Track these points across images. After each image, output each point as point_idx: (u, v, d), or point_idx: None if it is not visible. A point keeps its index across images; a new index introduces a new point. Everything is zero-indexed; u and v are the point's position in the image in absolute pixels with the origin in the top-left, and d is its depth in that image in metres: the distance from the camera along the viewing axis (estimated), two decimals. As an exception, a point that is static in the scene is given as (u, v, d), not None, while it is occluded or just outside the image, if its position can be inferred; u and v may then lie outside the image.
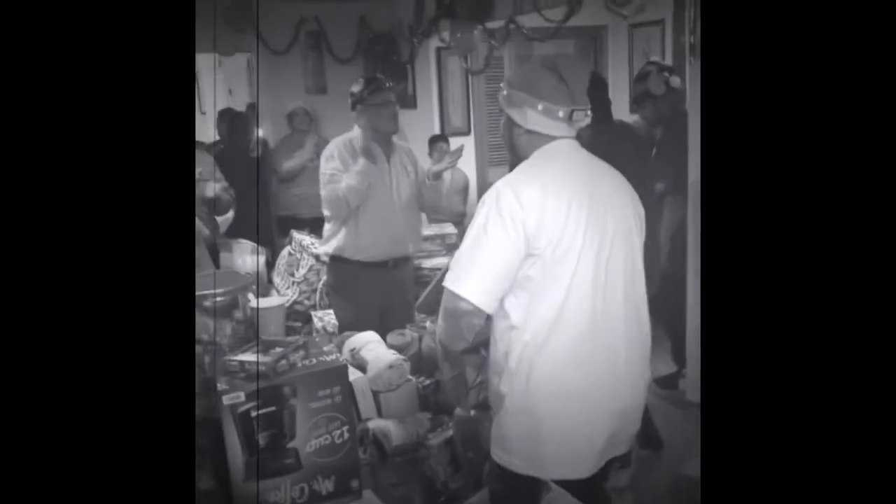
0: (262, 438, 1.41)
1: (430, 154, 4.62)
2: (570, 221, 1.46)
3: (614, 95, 3.50)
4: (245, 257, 3.62)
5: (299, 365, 1.48)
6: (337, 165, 2.68)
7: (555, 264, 1.46)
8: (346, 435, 1.48)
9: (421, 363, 2.13)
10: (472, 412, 1.74)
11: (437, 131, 5.03)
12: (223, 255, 3.60)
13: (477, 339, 1.69)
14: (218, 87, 6.38)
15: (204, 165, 2.59)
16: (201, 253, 2.59)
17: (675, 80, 3.00)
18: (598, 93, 2.81)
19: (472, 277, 1.47)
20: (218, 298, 1.64)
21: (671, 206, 3.19)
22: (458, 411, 1.76)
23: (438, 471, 1.71)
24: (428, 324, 2.42)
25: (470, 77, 4.87)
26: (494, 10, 4.05)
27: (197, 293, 1.62)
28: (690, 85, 2.91)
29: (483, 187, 4.82)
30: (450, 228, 4.04)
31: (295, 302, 3.63)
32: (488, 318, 1.54)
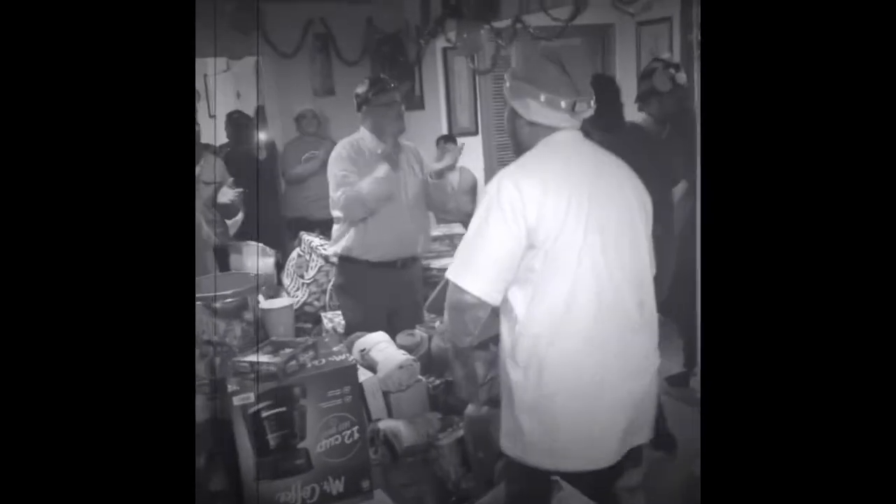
0: (272, 439, 1.41)
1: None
2: (571, 213, 1.46)
3: (623, 95, 3.48)
4: (255, 259, 3.62)
5: (309, 365, 1.48)
6: (347, 166, 2.68)
7: (557, 255, 1.46)
8: (357, 435, 1.48)
9: (431, 363, 2.13)
10: (484, 409, 1.74)
11: (444, 132, 5.03)
12: (233, 258, 3.61)
13: (486, 335, 1.69)
14: (227, 90, 6.41)
15: (212, 169, 2.60)
16: (207, 256, 2.59)
17: (682, 77, 2.98)
18: (610, 96, 2.78)
19: (473, 269, 1.48)
20: (227, 300, 1.64)
21: (681, 204, 3.17)
22: (469, 410, 1.75)
23: (449, 471, 1.71)
24: (437, 323, 2.42)
25: (477, 77, 4.86)
26: (501, 9, 4.04)
27: (206, 295, 1.62)
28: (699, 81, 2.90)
29: (491, 188, 4.80)
30: (458, 229, 4.03)
31: (305, 303, 3.63)
32: (494, 313, 1.54)
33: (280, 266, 3.89)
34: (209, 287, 1.65)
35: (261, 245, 3.64)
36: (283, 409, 1.42)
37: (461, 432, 1.76)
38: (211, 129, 4.15)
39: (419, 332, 2.28)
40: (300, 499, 1.44)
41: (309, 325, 3.47)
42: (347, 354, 1.56)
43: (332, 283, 3.54)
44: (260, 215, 4.20)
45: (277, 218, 4.68)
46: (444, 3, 4.29)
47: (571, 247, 1.46)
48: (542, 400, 1.50)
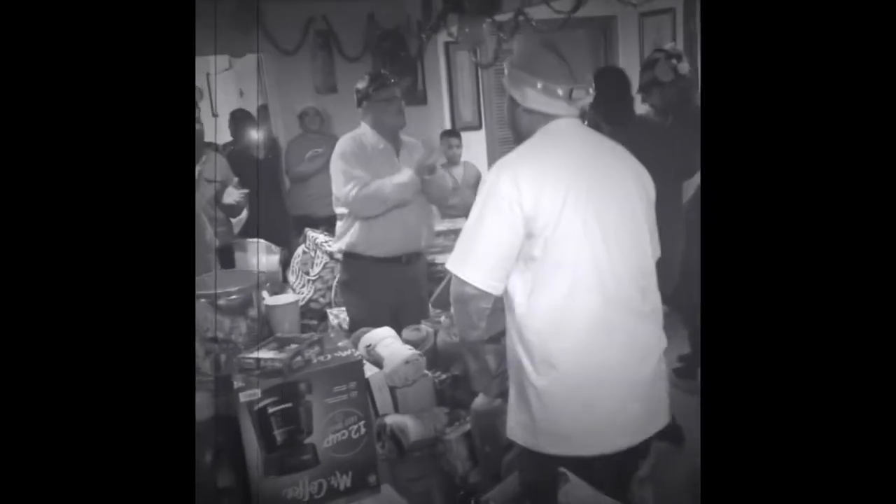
0: (279, 435, 1.41)
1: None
2: (569, 201, 1.46)
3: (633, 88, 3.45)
4: (261, 256, 3.63)
5: (314, 361, 1.48)
6: (352, 161, 2.67)
7: (556, 244, 1.46)
8: (363, 430, 1.48)
9: (437, 358, 2.13)
10: (497, 401, 1.74)
11: (447, 126, 5.02)
12: (238, 255, 3.63)
13: (496, 329, 1.69)
14: (229, 88, 6.41)
15: (215, 167, 2.60)
16: (210, 255, 2.59)
17: (684, 67, 2.96)
18: (621, 90, 2.76)
19: (473, 260, 1.49)
20: (231, 297, 1.65)
21: (696, 196, 3.15)
22: (476, 404, 1.75)
23: (457, 465, 1.71)
24: (443, 318, 2.42)
25: (479, 71, 4.85)
26: (502, 2, 4.03)
27: (210, 292, 1.63)
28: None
29: (495, 181, 4.80)
30: (463, 223, 4.01)
31: (310, 300, 3.64)
32: (503, 308, 1.54)
33: (286, 263, 3.90)
34: (212, 284, 1.65)
35: (266, 243, 3.65)
36: (290, 404, 1.42)
37: (468, 427, 1.75)
38: (214, 128, 4.15)
39: (425, 327, 2.28)
40: (307, 494, 1.44)
41: (315, 322, 3.47)
42: (353, 350, 1.56)
43: (336, 279, 3.54)
44: (265, 213, 4.21)
45: (282, 215, 4.68)
46: (444, -3, 4.28)
47: (571, 234, 1.46)
48: (551, 388, 1.50)
